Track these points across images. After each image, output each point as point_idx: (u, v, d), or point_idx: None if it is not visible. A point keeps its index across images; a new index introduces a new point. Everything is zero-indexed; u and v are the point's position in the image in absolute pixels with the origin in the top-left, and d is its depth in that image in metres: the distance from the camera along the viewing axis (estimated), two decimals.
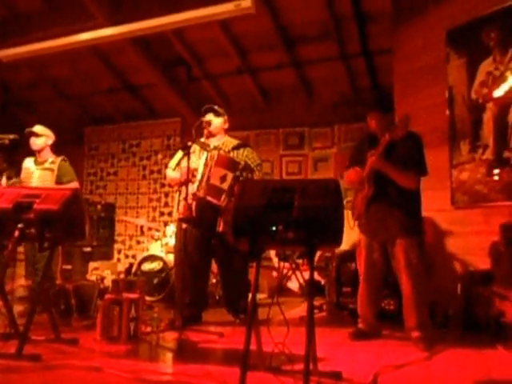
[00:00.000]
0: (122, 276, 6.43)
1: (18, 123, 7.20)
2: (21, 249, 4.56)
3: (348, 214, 3.42)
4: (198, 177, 3.84)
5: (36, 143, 4.57)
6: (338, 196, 2.24)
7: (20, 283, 4.54)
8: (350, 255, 4.39)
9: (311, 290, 2.30)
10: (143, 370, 2.45)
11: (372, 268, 3.44)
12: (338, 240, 2.21)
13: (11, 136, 4.22)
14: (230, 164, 3.84)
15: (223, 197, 3.67)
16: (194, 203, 3.69)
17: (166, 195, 8.47)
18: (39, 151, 4.61)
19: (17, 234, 2.73)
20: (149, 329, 3.53)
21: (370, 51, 6.46)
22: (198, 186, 3.79)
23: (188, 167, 3.50)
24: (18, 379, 2.32)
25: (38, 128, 4.61)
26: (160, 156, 8.51)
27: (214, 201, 3.71)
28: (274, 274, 6.32)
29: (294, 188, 2.23)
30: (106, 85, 8.04)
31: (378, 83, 6.89)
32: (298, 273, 6.18)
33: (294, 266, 6.41)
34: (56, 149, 4.74)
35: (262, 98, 7.66)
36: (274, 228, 2.15)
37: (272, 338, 2.22)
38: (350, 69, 6.89)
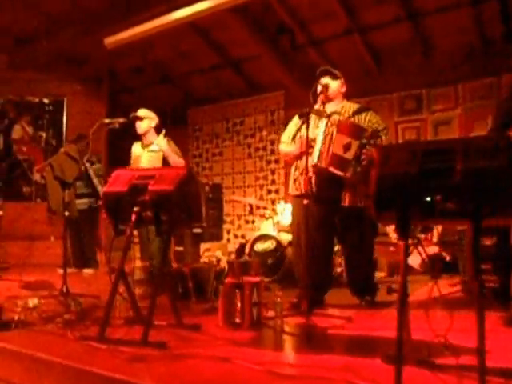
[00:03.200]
0: (232, 256, 6.49)
1: (125, 108, 7.42)
2: (135, 231, 4.59)
3: None
4: (317, 146, 3.48)
5: (141, 127, 4.61)
6: (510, 155, 1.80)
7: (136, 265, 4.60)
8: (486, 228, 3.88)
9: (477, 269, 1.88)
10: (272, 361, 2.26)
11: None
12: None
13: (121, 120, 4.34)
14: (355, 130, 3.44)
15: (349, 168, 3.30)
16: (313, 177, 3.37)
17: (273, 172, 8.29)
18: (144, 134, 4.64)
19: (134, 217, 2.70)
20: (270, 313, 3.29)
21: None
22: (319, 157, 3.44)
23: (307, 136, 3.14)
24: (145, 369, 2.19)
25: (141, 111, 4.65)
26: (265, 132, 8.32)
27: (338, 172, 3.35)
28: (392, 249, 5.96)
29: (453, 148, 1.81)
30: (207, 63, 8.02)
31: None
32: (420, 248, 5.81)
33: (415, 241, 5.98)
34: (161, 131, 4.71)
35: (372, 60, 7.07)
36: (429, 198, 1.78)
37: (430, 327, 1.87)
38: (478, 16, 6.02)
